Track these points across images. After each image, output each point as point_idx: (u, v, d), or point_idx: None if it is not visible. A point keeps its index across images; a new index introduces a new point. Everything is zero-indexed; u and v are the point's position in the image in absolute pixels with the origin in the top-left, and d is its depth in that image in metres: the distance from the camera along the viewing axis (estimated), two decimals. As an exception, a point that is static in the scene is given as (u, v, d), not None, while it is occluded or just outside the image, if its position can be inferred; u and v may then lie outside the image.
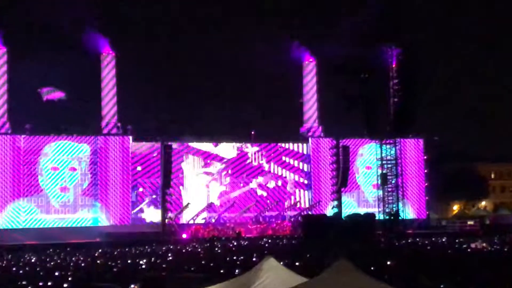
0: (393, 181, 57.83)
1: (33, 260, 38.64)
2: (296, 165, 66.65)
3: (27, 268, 31.90)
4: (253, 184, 65.61)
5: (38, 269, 31.14)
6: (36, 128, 59.79)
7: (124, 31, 62.56)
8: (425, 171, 68.73)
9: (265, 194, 65.58)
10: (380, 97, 57.44)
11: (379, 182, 58.35)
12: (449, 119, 73.32)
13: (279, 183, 66.11)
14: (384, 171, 57.89)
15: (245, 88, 68.30)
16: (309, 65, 67.84)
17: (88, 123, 61.75)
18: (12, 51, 60.12)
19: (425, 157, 68.86)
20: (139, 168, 62.40)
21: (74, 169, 60.52)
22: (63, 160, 60.16)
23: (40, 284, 23.78)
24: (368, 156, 66.74)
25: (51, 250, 46.13)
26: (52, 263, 35.22)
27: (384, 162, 57.88)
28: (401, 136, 60.16)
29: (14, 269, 32.88)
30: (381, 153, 57.90)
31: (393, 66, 56.77)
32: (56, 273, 27.64)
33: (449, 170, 77.66)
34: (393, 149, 57.97)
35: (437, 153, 71.41)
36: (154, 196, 62.46)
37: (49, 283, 23.70)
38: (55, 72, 60.71)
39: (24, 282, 23.95)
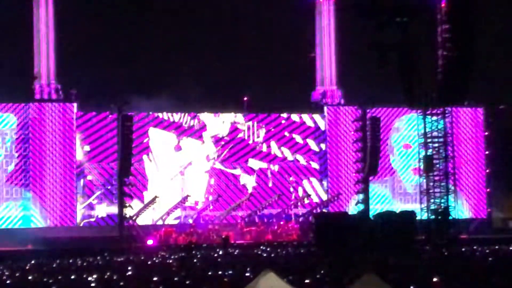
0: (441, 167, 57.87)
1: None
2: (305, 144, 66.71)
3: None
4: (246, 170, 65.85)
5: None
6: None
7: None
8: (486, 152, 68.87)
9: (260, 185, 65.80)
10: (424, 49, 57.31)
11: (422, 167, 58.39)
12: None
13: (275, 168, 66.29)
14: (428, 153, 57.93)
15: (234, 38, 67.99)
16: (323, 4, 67.70)
17: (15, 85, 61.56)
18: None
19: (486, 133, 68.99)
20: (87, 148, 62.44)
21: (-6, 147, 60.74)
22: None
23: None
24: (406, 131, 66.91)
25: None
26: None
27: (429, 140, 57.84)
28: (452, 104, 60.15)
29: None
30: (425, 127, 57.88)
31: (442, 6, 56.60)
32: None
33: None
34: (442, 122, 57.93)
35: (503, 128, 71.38)
36: (108, 187, 62.52)
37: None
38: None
39: None
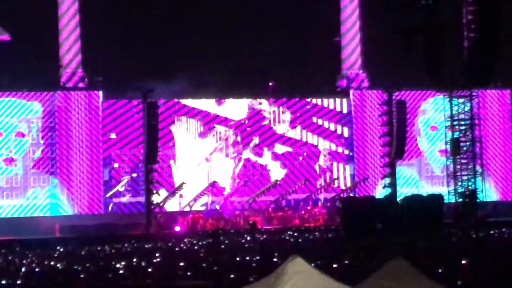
0: (468, 149, 57.67)
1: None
2: (332, 128, 66.64)
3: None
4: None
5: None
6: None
7: None
8: (514, 135, 68.70)
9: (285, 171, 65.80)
10: (450, 32, 57.01)
11: (449, 150, 58.23)
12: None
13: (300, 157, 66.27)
14: (455, 135, 57.74)
15: (259, 24, 67.84)
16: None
17: (43, 74, 61.79)
18: None
19: (514, 116, 68.78)
20: (113, 136, 62.59)
21: (22, 134, 60.85)
22: (7, 123, 60.47)
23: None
24: (432, 114, 66.64)
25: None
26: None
27: (455, 122, 57.71)
28: (480, 87, 59.88)
29: None
30: (451, 110, 57.69)
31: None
32: (3, 282, 27.81)
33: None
34: (468, 104, 57.73)
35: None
36: (134, 175, 62.66)
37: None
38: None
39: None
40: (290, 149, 66.01)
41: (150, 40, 64.78)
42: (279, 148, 65.96)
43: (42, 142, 61.34)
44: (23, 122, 61.02)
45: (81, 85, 62.30)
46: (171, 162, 63.87)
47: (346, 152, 66.83)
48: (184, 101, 64.38)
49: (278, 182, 65.02)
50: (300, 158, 66.21)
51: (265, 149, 65.64)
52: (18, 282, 28.07)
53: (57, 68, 62.49)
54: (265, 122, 65.83)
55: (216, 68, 61.71)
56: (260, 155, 65.64)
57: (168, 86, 60.26)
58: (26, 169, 61.07)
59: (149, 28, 65.54)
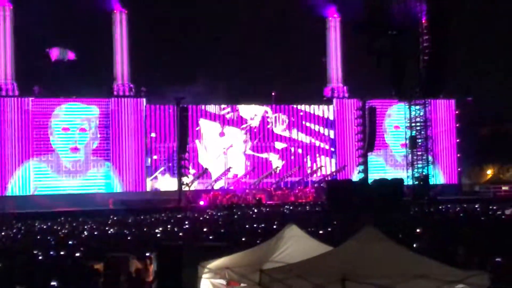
0: (422, 144, 57.58)
1: (44, 228, 39.06)
2: (320, 131, 66.52)
3: (38, 237, 32.19)
4: (276, 146, 65.71)
5: (49, 237, 31.43)
6: (45, 90, 60.11)
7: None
8: (457, 133, 68.39)
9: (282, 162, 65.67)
10: (410, 55, 56.87)
11: (408, 144, 58.18)
12: (483, 79, 72.29)
13: (299, 151, 66.14)
14: (413, 133, 57.66)
15: (266, 45, 67.85)
16: (333, 21, 67.43)
17: (100, 85, 61.86)
18: (17, 8, 60.11)
19: (457, 119, 68.47)
20: (153, 135, 62.60)
21: (84, 129, 60.96)
22: (74, 121, 60.54)
23: (52, 253, 24.00)
24: (396, 117, 66.56)
25: (62, 218, 46.54)
26: (64, 232, 35.56)
27: (413, 123, 57.63)
28: (431, 97, 59.79)
29: (24, 237, 33.24)
30: (410, 114, 57.61)
31: (423, 21, 56.10)
32: (69, 242, 27.88)
33: (483, 132, 77.14)
34: (423, 110, 57.62)
35: (470, 115, 70.86)
36: (169, 164, 62.64)
37: (61, 252, 23.90)
38: (64, 32, 60.70)
39: (35, 251, 24.17)
40: (286, 145, 65.93)
41: (182, 58, 64.82)
42: (279, 145, 65.90)
43: (99, 136, 61.34)
44: (85, 121, 61.03)
45: (129, 93, 62.29)
46: (198, 152, 63.91)
47: (331, 149, 66.73)
48: (207, 107, 64.31)
49: (278, 168, 65.02)
50: (300, 150, 66.11)
51: (268, 145, 65.61)
52: (81, 242, 28.14)
53: (111, 80, 62.52)
54: (269, 126, 65.71)
55: (232, 80, 61.74)
56: (264, 149, 65.57)
57: (195, 94, 60.37)
58: (87, 156, 61.09)
59: (181, 50, 65.63)
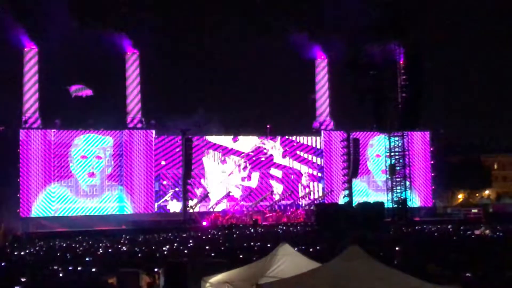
0: (401, 171, 57.66)
1: (63, 245, 38.93)
2: (310, 158, 66.50)
3: (58, 254, 32.10)
4: (272, 172, 65.61)
5: (68, 254, 31.34)
6: (65, 122, 60.27)
7: (144, 30, 62.34)
8: (431, 162, 68.41)
9: (280, 186, 65.55)
10: (389, 92, 57.18)
11: (388, 171, 58.23)
12: (454, 113, 72.86)
13: (292, 177, 66.08)
14: (392, 162, 57.75)
15: (262, 83, 68.38)
16: (321, 62, 67.73)
17: (114, 117, 61.99)
18: (42, 50, 60.52)
19: (431, 149, 68.55)
20: (163, 163, 62.55)
21: (99, 157, 60.97)
22: (91, 150, 60.60)
23: (70, 268, 23.94)
24: (377, 147, 66.55)
25: (80, 237, 46.42)
26: (81, 249, 35.46)
27: (392, 153, 57.78)
28: (409, 129, 59.98)
29: (45, 254, 33.12)
30: (390, 144, 57.77)
31: (401, 62, 56.53)
32: (87, 259, 27.82)
33: (454, 161, 77.35)
34: (401, 141, 57.84)
35: (442, 145, 71.10)
36: (177, 189, 62.40)
37: (79, 268, 23.85)
38: (83, 70, 61.16)
39: (55, 267, 24.11)
40: (280, 172, 65.83)
41: (187, 95, 65.21)
42: (274, 171, 65.83)
43: (113, 163, 61.30)
44: (100, 149, 61.01)
45: (140, 125, 62.37)
46: (202, 179, 63.76)
47: (319, 174, 66.67)
48: (209, 138, 64.35)
49: (276, 194, 64.85)
50: (292, 177, 66.02)
51: (263, 172, 65.54)
52: (97, 258, 28.05)
53: (124, 114, 62.64)
54: (264, 157, 65.56)
55: (233, 115, 62.05)
56: (261, 175, 65.50)
57: (199, 127, 60.54)
58: (102, 181, 61.02)
59: (187, 87, 66.05)
